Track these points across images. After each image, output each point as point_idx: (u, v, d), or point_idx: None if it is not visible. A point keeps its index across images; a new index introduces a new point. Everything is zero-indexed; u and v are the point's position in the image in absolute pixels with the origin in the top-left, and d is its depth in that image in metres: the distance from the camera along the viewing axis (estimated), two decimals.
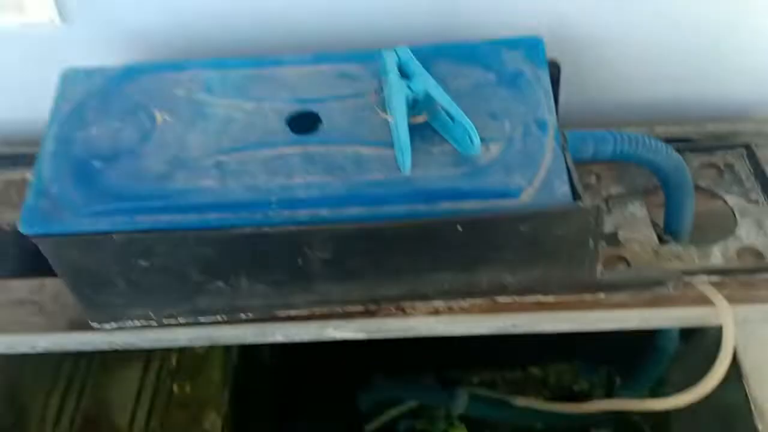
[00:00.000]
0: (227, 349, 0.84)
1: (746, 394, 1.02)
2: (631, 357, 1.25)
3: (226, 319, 0.64)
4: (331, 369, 1.18)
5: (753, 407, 1.08)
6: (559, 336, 1.20)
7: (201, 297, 0.61)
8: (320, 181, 0.55)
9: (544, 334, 1.20)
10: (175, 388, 0.81)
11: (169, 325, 0.64)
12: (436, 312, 0.67)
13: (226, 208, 0.53)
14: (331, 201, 0.54)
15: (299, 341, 0.66)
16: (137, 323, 0.64)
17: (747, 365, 1.05)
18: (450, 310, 0.67)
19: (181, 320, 0.64)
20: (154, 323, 0.64)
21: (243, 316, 0.64)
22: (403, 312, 0.67)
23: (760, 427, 1.05)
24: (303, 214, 0.54)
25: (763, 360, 1.02)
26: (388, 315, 0.67)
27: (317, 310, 0.65)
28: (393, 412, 1.18)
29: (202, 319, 0.64)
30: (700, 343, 1.16)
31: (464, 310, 0.67)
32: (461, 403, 1.07)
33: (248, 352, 0.94)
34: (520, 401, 1.07)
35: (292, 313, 0.65)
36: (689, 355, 1.15)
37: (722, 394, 1.04)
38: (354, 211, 0.54)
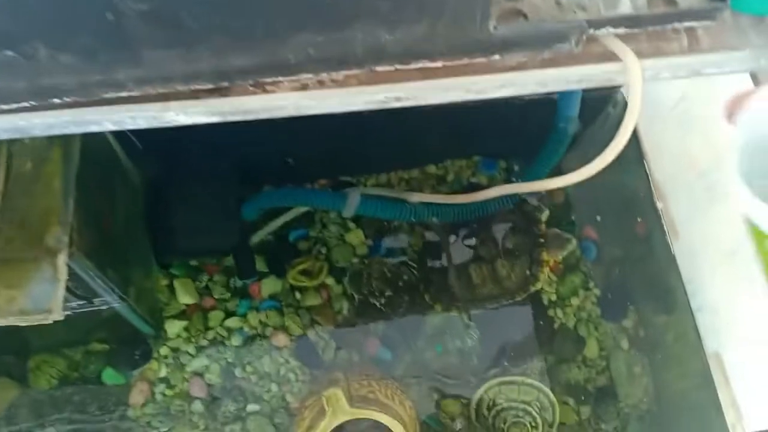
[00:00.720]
0: (67, 152, 0.71)
1: (646, 174, 1.00)
2: (531, 150, 1.21)
3: (34, 104, 0.51)
4: (216, 183, 1.07)
5: (652, 187, 1.07)
6: (457, 131, 1.13)
7: None
8: None
9: (441, 129, 1.12)
10: (4, 205, 0.68)
11: None
12: (303, 87, 0.56)
13: None
14: None
15: (135, 128, 0.54)
16: None
17: (647, 144, 1.02)
18: (320, 84, 0.56)
19: None
20: None
21: (56, 100, 0.51)
22: (263, 89, 0.56)
23: (659, 206, 1.05)
24: None
25: (662, 138, 0.99)
26: (245, 93, 0.55)
27: (153, 90, 0.52)
28: (280, 220, 1.10)
29: (2, 106, 0.50)
30: (599, 130, 1.12)
31: (338, 83, 0.56)
32: (353, 203, 0.99)
33: (98, 154, 0.82)
34: (415, 197, 1.01)
35: (122, 94, 0.52)
36: (587, 143, 1.11)
37: (622, 176, 1.00)
38: None
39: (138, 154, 1.03)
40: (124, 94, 0.52)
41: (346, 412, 0.90)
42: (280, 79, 0.55)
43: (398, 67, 0.56)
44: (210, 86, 0.54)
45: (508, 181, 1.16)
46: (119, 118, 0.52)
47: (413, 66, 0.56)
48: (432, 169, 1.19)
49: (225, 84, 0.54)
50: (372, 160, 1.18)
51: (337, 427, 0.90)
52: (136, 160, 1.04)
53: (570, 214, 1.16)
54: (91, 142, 0.81)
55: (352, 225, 1.13)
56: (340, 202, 0.99)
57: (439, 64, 0.56)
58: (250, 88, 0.56)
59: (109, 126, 0.53)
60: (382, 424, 0.91)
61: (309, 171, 1.19)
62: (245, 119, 0.56)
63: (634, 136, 1.03)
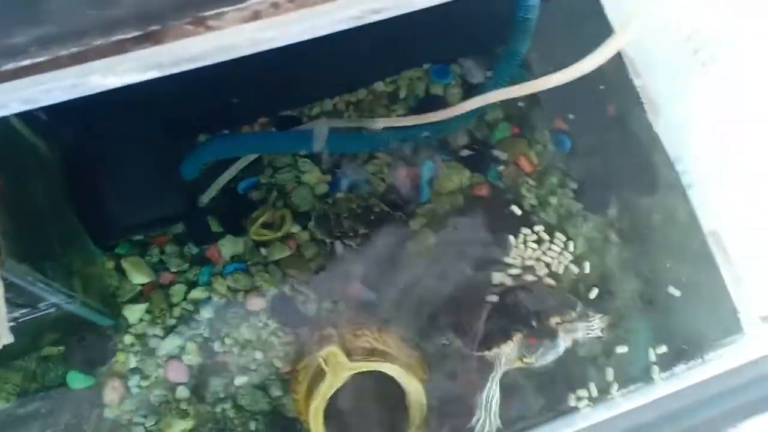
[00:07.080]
0: None
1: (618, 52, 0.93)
2: (484, 50, 1.11)
3: None
4: (143, 142, 0.93)
5: (626, 63, 1.00)
6: (401, 38, 1.01)
7: None
8: None
9: (383, 39, 1.00)
10: None
11: None
12: (255, 16, 0.45)
13: None
14: None
15: (52, 103, 0.42)
16: None
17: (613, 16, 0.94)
18: (275, 8, 0.45)
19: None
20: None
21: None
22: (205, 26, 0.44)
23: (637, 83, 0.98)
24: None
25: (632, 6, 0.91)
26: (183, 35, 0.44)
27: (65, 51, 0.40)
28: (230, 172, 0.98)
29: None
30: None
31: (296, 3, 0.45)
32: (321, 138, 0.85)
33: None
34: (384, 122, 0.89)
35: (25, 63, 0.40)
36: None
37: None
38: None
39: (43, 125, 0.88)
40: (27, 62, 0.40)
41: (346, 368, 0.83)
42: (225, 9, 0.44)
43: None
44: (137, 33, 0.42)
45: (465, 86, 1.07)
46: (30, 95, 0.40)
47: None
48: (380, 86, 1.08)
49: (155, 27, 0.43)
50: (312, 87, 1.06)
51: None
52: (43, 134, 0.90)
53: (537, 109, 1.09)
54: None
55: (307, 163, 1.02)
56: (306, 141, 0.86)
57: None
58: (189, 28, 0.44)
59: (16, 107, 0.41)
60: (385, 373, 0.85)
61: (246, 111, 1.06)
62: (191, 66, 0.44)
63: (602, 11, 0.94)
